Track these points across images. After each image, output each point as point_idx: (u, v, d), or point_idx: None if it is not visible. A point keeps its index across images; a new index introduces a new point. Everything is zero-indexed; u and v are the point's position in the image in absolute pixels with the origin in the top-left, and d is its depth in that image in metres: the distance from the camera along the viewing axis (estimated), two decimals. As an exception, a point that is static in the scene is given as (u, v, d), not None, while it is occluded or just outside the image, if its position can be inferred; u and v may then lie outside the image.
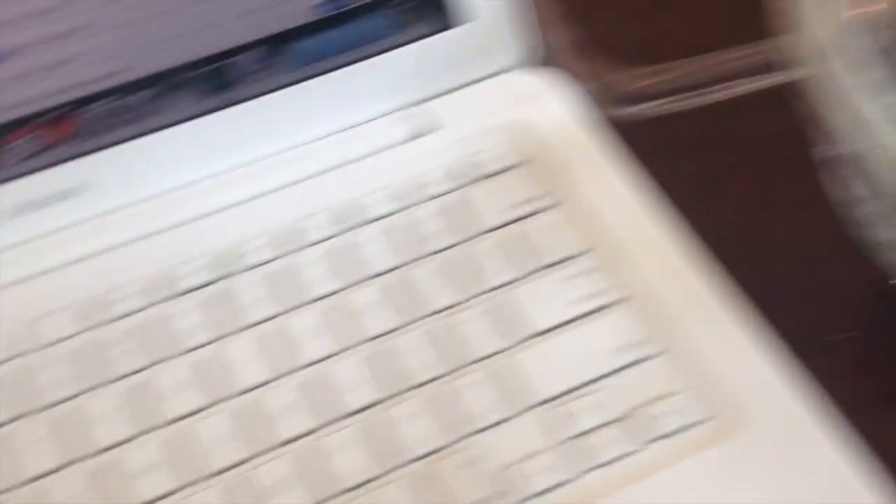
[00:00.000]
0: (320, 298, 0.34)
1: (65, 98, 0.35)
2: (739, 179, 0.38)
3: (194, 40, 0.36)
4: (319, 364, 0.32)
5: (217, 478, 0.30)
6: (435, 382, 0.32)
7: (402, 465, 0.30)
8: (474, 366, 0.32)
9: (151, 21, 0.35)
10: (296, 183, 0.37)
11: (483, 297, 0.34)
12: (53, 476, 0.30)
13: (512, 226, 0.35)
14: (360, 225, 0.36)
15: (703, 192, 0.37)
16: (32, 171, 0.35)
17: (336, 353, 0.32)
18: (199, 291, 0.34)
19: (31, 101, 0.34)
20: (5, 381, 0.32)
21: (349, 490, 0.30)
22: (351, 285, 0.34)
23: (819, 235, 0.36)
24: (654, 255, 0.35)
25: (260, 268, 0.34)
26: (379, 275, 0.34)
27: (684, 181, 0.37)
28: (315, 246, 0.35)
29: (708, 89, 0.40)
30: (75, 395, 0.32)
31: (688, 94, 0.41)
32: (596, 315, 0.33)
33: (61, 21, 0.34)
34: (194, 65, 0.36)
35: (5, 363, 0.32)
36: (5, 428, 0.31)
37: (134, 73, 0.35)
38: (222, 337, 0.33)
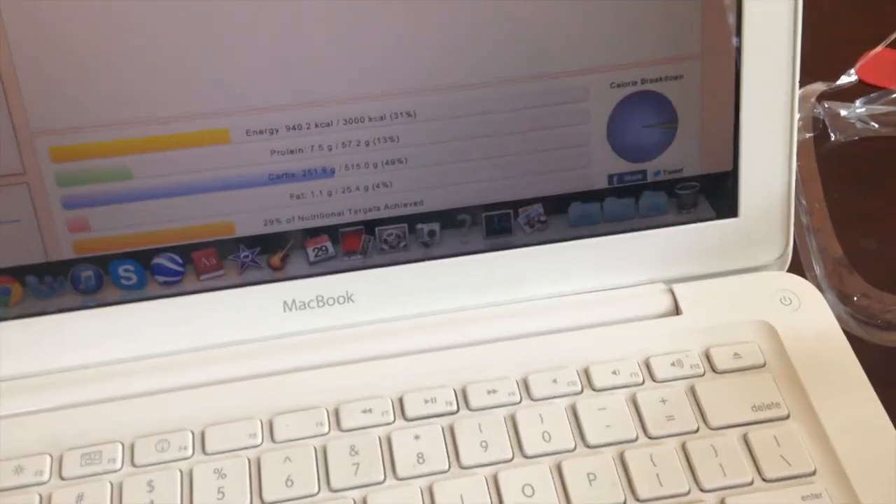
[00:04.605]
0: (541, 456, 0.35)
1: (362, 217, 0.39)
2: None
3: (487, 188, 0.39)
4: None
5: None
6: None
7: None
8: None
9: (453, 165, 0.39)
10: (544, 333, 0.39)
11: (708, 493, 0.34)
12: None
13: (746, 427, 0.36)
14: (600, 390, 0.37)
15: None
16: (312, 276, 0.39)
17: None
18: (425, 421, 0.36)
19: (336, 214, 0.39)
20: (232, 471, 0.35)
21: None
22: (570, 450, 0.35)
23: None
24: (885, 494, 0.34)
25: (487, 412, 0.36)
26: (605, 445, 0.35)
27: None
28: (552, 400, 0.37)
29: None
30: (285, 500, 0.34)
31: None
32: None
33: (385, 152, 0.38)
34: (478, 209, 0.39)
35: (238, 452, 0.35)
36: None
37: (425, 206, 0.39)
38: (434, 474, 0.35)
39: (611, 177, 0.40)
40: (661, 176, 0.40)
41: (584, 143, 0.39)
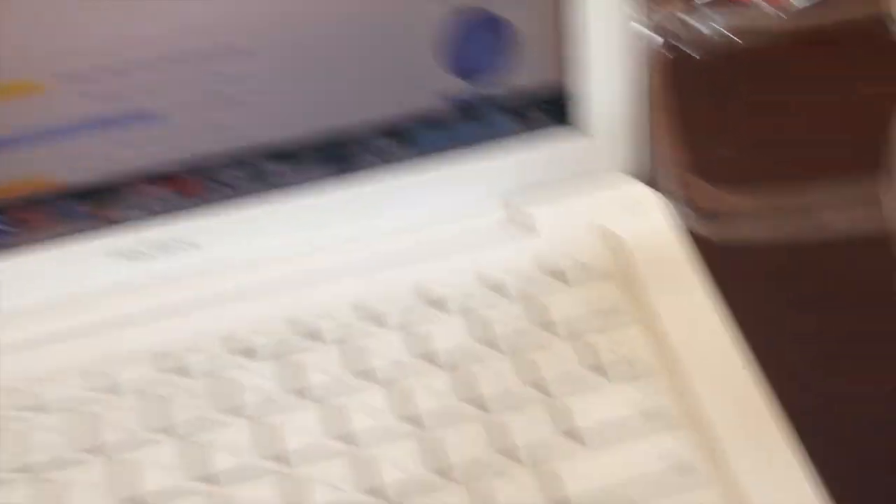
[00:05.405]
0: (386, 379, 0.35)
1: (200, 162, 0.38)
2: (821, 313, 0.38)
3: (325, 119, 0.38)
4: (364, 438, 0.34)
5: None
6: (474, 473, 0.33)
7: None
8: (517, 466, 0.33)
9: (287, 98, 0.38)
10: (391, 265, 0.39)
11: (542, 397, 0.35)
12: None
13: (586, 334, 0.36)
14: (438, 311, 0.37)
15: (784, 322, 0.37)
16: (149, 224, 0.38)
17: (384, 433, 0.34)
18: (268, 359, 0.36)
19: (169, 159, 0.38)
20: (68, 420, 0.34)
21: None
22: (418, 372, 0.35)
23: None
24: (721, 384, 0.35)
25: (329, 345, 0.36)
26: (453, 364, 0.36)
27: (767, 309, 0.37)
28: (388, 325, 0.37)
29: (804, 220, 0.40)
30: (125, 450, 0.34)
31: (782, 222, 0.40)
32: (649, 436, 0.34)
33: (214, 91, 0.37)
34: (318, 142, 0.39)
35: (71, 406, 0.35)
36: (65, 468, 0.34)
37: (263, 144, 0.38)
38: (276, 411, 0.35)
39: (449, 99, 0.39)
40: (502, 93, 0.39)
41: (419, 65, 0.38)
